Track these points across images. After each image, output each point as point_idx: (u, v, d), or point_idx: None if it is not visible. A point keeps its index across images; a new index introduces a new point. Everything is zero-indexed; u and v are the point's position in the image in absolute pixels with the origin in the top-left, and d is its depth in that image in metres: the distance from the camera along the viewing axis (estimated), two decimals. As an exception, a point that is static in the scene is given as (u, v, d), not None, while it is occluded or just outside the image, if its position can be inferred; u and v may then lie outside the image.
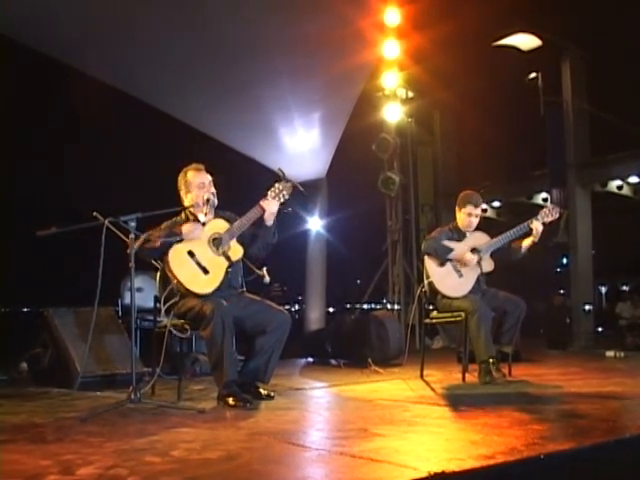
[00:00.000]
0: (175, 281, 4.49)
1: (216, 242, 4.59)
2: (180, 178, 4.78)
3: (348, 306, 15.84)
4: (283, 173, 4.70)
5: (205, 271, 4.52)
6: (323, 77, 9.14)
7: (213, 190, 4.73)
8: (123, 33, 7.73)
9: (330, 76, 9.08)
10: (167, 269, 4.53)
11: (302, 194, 4.78)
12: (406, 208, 12.73)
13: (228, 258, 4.57)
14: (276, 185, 4.61)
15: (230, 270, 4.60)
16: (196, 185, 4.69)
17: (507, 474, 2.53)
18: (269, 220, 4.65)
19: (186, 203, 4.73)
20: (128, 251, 4.20)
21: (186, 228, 4.58)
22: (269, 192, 4.61)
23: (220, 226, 4.65)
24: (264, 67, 8.58)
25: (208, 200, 4.64)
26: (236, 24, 7.85)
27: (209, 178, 4.75)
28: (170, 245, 4.51)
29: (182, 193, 4.77)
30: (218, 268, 4.55)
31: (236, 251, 4.63)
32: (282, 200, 4.61)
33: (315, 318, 11.06)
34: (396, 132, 11.80)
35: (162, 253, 4.53)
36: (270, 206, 4.59)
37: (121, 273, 6.78)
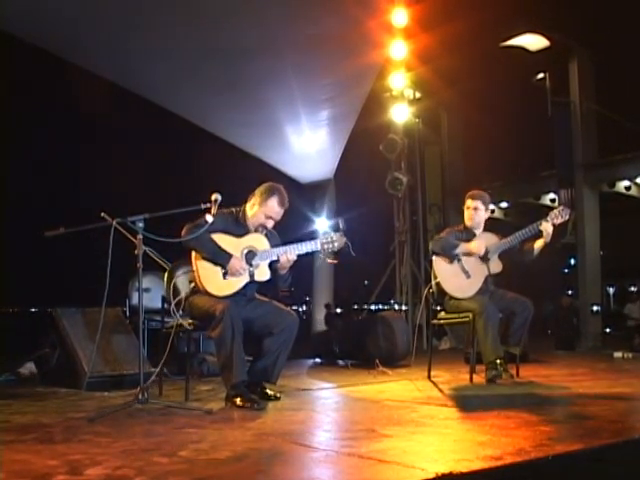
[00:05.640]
0: (194, 270, 4.51)
1: (249, 256, 4.57)
2: (262, 192, 4.67)
3: (355, 307, 15.81)
4: (343, 225, 4.67)
5: (225, 275, 4.53)
6: (331, 77, 9.15)
7: (272, 223, 4.69)
8: (130, 31, 7.74)
9: (338, 76, 9.09)
10: (192, 258, 4.54)
11: (349, 252, 4.70)
12: (413, 209, 12.73)
13: (252, 275, 4.56)
14: (332, 235, 4.55)
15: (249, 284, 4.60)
16: (266, 213, 4.64)
17: (515, 475, 2.53)
18: (282, 270, 4.62)
19: (247, 211, 4.69)
20: (136, 252, 4.20)
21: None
22: (322, 237, 4.56)
23: (259, 242, 4.63)
24: (272, 67, 8.58)
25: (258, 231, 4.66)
26: (244, 24, 7.85)
27: (281, 215, 4.70)
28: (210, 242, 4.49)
29: (252, 200, 4.70)
30: (238, 279, 4.54)
31: (262, 272, 4.59)
32: (328, 252, 4.56)
33: (322, 319, 11.08)
34: (403, 132, 11.80)
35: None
36: (291, 256, 4.55)
37: (129, 273, 6.78)
